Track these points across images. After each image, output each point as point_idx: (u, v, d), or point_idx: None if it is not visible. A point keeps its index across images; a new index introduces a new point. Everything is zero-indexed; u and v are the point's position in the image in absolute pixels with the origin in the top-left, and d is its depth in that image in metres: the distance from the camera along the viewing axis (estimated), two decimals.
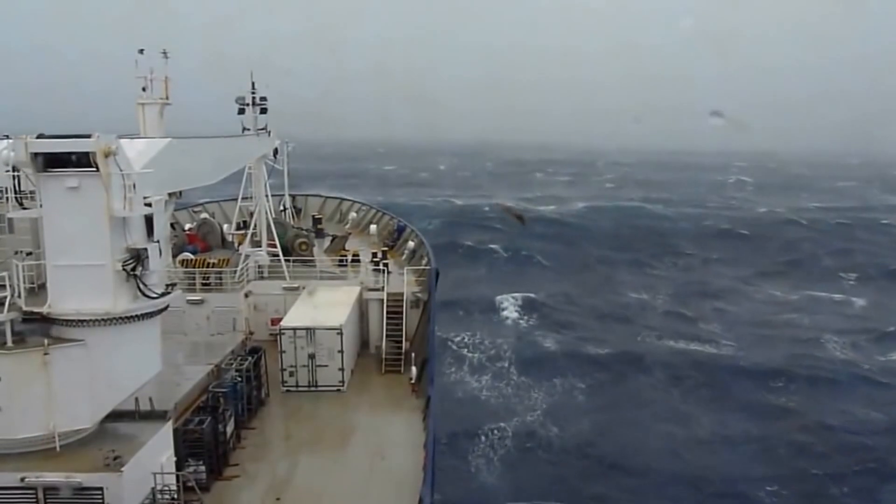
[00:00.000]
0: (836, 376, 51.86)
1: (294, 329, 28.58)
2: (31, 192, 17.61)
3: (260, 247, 38.01)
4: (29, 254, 17.87)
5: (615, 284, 75.95)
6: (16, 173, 17.63)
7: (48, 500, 16.10)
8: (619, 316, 65.75)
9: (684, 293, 72.27)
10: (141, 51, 29.99)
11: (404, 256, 41.88)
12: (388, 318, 32.12)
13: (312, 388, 28.45)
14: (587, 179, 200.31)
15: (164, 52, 30.85)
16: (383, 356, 31.15)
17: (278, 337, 28.76)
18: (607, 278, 78.12)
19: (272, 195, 41.65)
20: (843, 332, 61.57)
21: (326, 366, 28.48)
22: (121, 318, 17.16)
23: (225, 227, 43.28)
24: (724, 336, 60.54)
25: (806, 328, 63.18)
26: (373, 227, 50.63)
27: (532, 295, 69.01)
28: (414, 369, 28.81)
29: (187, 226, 43.43)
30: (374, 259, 37.07)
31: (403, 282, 33.62)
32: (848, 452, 40.51)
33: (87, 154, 16.43)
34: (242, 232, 40.77)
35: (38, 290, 17.61)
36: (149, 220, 17.88)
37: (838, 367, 53.77)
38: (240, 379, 24.80)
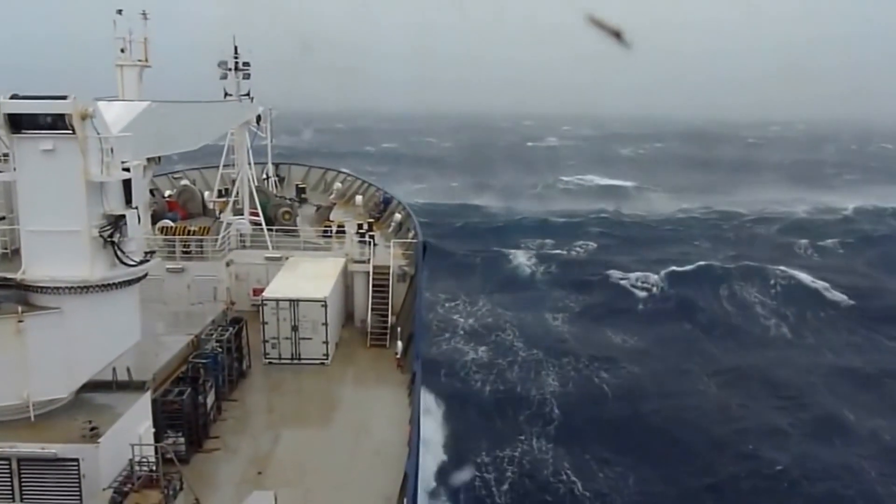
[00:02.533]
0: None
1: (277, 300, 28.12)
2: (5, 155, 17.02)
3: (242, 215, 37.38)
4: (2, 218, 17.34)
5: None
6: None
7: (22, 471, 15.72)
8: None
9: None
10: (119, 11, 29.17)
11: (391, 229, 41.40)
12: (373, 291, 31.69)
13: (295, 361, 28.06)
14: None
15: (144, 13, 30.06)
16: (368, 330, 30.79)
17: (260, 308, 28.30)
18: None
19: (255, 163, 40.98)
20: None
21: (310, 338, 28.06)
22: (98, 286, 16.71)
23: (206, 194, 42.61)
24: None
25: None
26: (358, 198, 50.08)
27: None
28: (399, 344, 28.47)
29: (167, 192, 42.69)
30: (360, 231, 36.56)
31: (390, 254, 33.19)
32: None
33: (62, 116, 15.88)
34: (224, 200, 40.12)
35: (11, 255, 17.10)
36: (127, 186, 17.37)
37: None
38: (220, 350, 24.34)
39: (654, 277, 65.14)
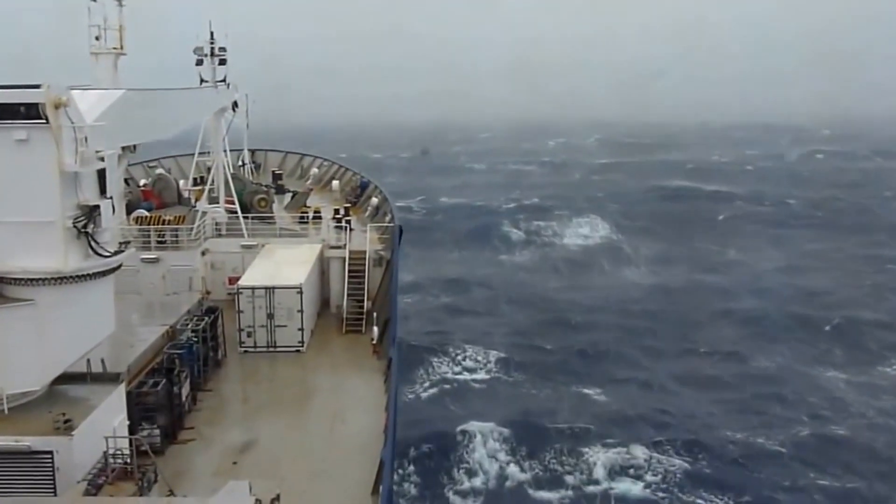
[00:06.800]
0: None
1: (252, 288, 28.05)
2: None
3: (217, 203, 37.07)
4: None
5: None
6: None
7: None
8: None
9: None
10: None
11: (367, 213, 41.31)
12: (349, 276, 31.68)
13: (271, 349, 28.05)
14: None
15: (119, 0, 29.64)
16: (344, 316, 30.82)
17: (236, 296, 28.23)
18: None
19: (231, 150, 40.64)
20: None
21: (285, 326, 28.04)
22: (72, 277, 16.61)
23: (181, 182, 42.16)
24: None
25: None
26: (335, 184, 49.82)
27: None
28: (375, 329, 28.51)
29: (142, 181, 42.23)
30: (336, 216, 36.48)
31: (366, 239, 33.19)
32: None
33: (36, 105, 15.70)
34: (199, 188, 39.78)
35: None
36: (101, 176, 17.24)
37: None
38: (196, 340, 24.27)
39: None
